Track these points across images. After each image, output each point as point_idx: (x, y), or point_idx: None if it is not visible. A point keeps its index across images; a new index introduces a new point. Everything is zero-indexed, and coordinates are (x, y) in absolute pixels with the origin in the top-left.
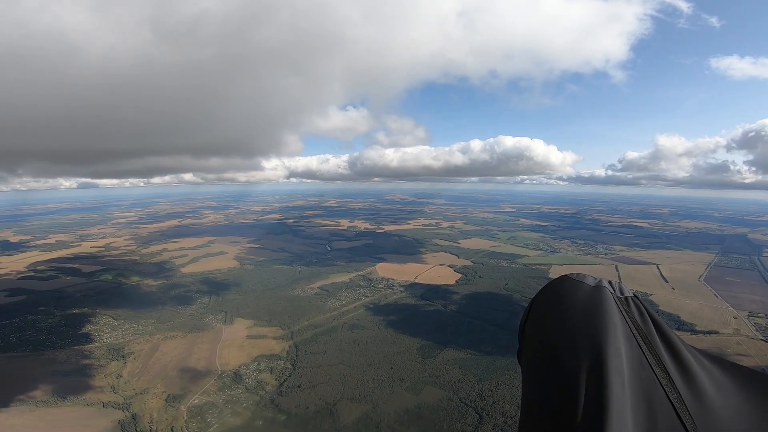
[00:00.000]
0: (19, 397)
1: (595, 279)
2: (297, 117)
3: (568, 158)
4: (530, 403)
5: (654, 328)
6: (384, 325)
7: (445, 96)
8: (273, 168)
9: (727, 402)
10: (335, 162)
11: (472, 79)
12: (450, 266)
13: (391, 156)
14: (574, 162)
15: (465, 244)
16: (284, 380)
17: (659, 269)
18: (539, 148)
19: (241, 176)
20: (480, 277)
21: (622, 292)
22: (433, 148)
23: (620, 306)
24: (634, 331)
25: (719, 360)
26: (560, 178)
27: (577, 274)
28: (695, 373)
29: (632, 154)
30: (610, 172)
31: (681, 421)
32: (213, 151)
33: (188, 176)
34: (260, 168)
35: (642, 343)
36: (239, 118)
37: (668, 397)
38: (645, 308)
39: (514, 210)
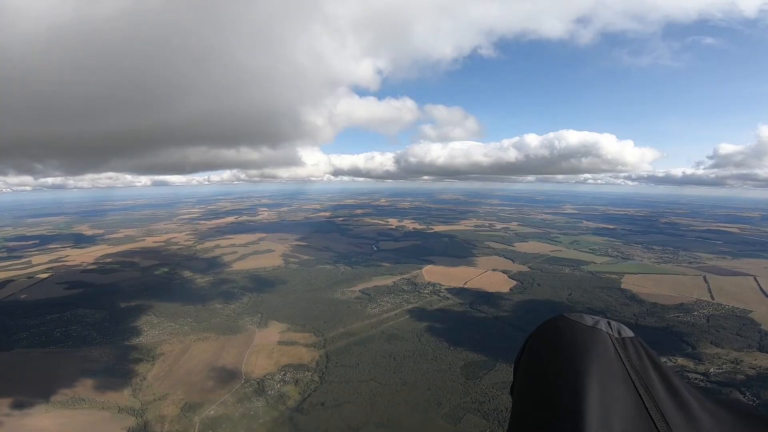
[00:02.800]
0: (39, 398)
1: (593, 319)
2: (314, 87)
3: (647, 155)
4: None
5: (654, 370)
6: (425, 338)
7: (498, 73)
8: (314, 164)
9: None
10: (381, 159)
11: (550, 38)
12: (504, 272)
13: (438, 152)
14: (655, 159)
15: (521, 247)
16: (308, 395)
17: (757, 281)
18: (610, 144)
19: (283, 172)
20: (538, 285)
21: (620, 333)
22: (482, 144)
23: (617, 347)
24: (632, 374)
25: (728, 404)
26: (629, 178)
27: (577, 314)
28: (697, 418)
29: (727, 148)
30: (701, 170)
31: None
32: (232, 138)
33: (246, 176)
34: (300, 163)
35: (639, 386)
36: (252, 89)
37: None
38: (645, 350)
39: (577, 212)
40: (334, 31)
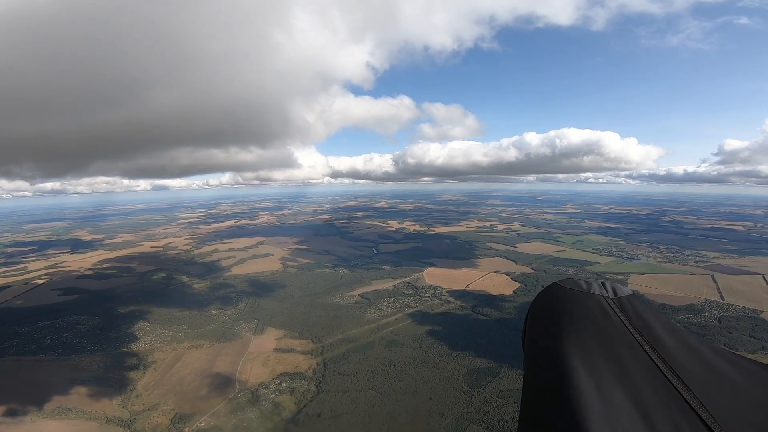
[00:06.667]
0: (25, 407)
1: (586, 283)
2: (302, 80)
3: (652, 153)
4: (521, 407)
5: (660, 328)
6: (426, 343)
7: (497, 69)
8: (311, 166)
9: (755, 404)
10: (379, 161)
11: (558, 25)
12: (507, 273)
13: (437, 153)
14: (659, 157)
15: (524, 248)
16: (304, 405)
17: (766, 280)
18: (613, 143)
19: (278, 174)
20: (542, 287)
21: (616, 293)
22: (481, 143)
23: (614, 309)
24: (635, 335)
25: (744, 360)
26: (630, 176)
27: (570, 280)
28: (719, 372)
29: (733, 143)
30: (703, 167)
31: (706, 425)
32: (217, 136)
33: (242, 180)
34: (296, 165)
35: (646, 347)
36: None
37: (685, 400)
38: (646, 307)
39: (579, 211)
40: (318, 9)
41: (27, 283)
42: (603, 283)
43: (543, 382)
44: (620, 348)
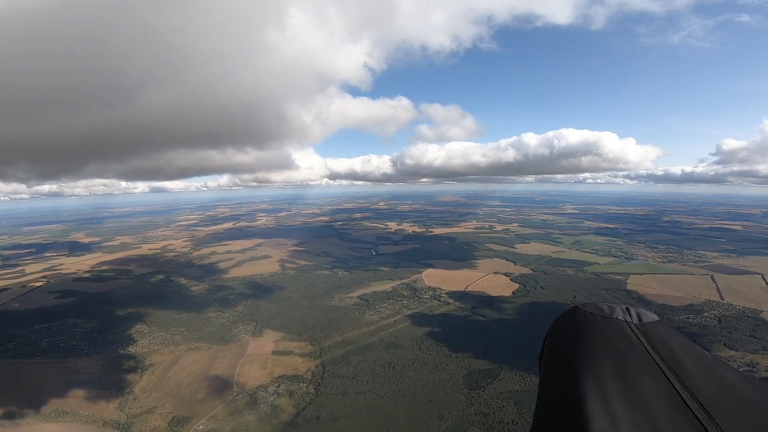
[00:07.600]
0: (22, 410)
1: (610, 308)
2: (299, 80)
3: (650, 153)
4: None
5: (685, 355)
6: (426, 345)
7: (495, 70)
8: (309, 167)
9: None
10: (377, 162)
11: (562, 25)
12: (506, 274)
13: (435, 154)
14: (658, 157)
15: (522, 249)
16: (303, 408)
17: (765, 280)
18: (612, 143)
19: (276, 176)
20: (542, 287)
21: (640, 319)
22: (480, 144)
23: (638, 335)
24: (659, 362)
25: None
26: (628, 176)
27: (592, 304)
28: (745, 402)
29: (731, 143)
30: (701, 167)
31: None
32: (212, 137)
33: (240, 181)
34: (294, 167)
35: (669, 374)
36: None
37: (707, 430)
38: (671, 334)
39: (577, 211)
40: (313, 8)
41: (24, 286)
42: (627, 309)
43: (556, 407)
44: (642, 376)
